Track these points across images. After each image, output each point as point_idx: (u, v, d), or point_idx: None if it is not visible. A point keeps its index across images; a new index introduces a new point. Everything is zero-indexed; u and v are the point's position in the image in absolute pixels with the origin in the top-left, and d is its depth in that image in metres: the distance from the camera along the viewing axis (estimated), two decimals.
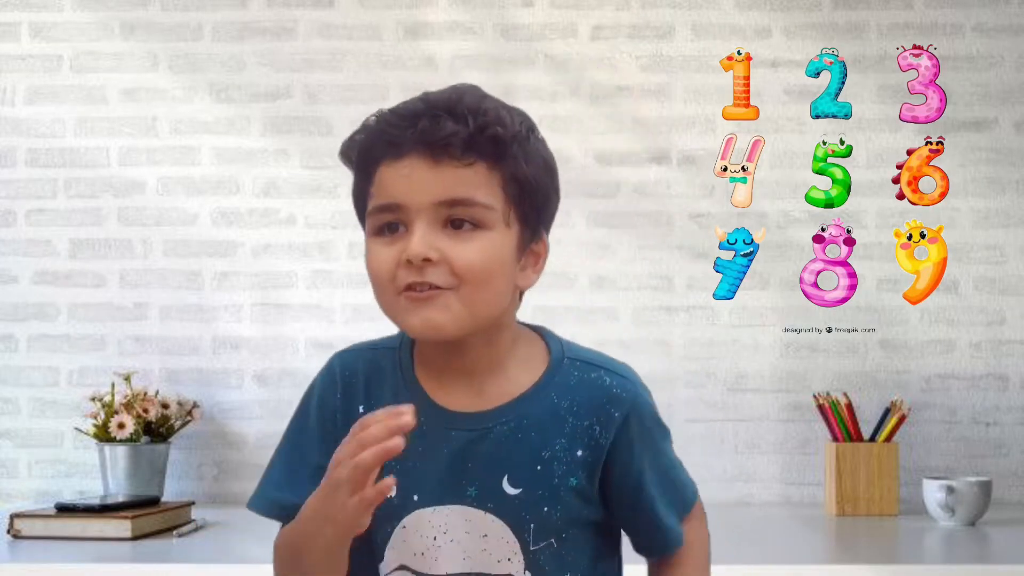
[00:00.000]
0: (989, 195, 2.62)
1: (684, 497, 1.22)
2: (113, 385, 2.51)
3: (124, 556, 1.93)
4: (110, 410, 2.46)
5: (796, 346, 2.62)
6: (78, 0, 2.68)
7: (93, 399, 2.49)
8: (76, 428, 2.57)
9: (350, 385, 1.16)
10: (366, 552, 1.13)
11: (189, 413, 2.57)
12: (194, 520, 2.20)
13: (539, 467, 1.12)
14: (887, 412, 2.42)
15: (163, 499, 2.36)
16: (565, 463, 1.12)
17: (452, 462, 1.12)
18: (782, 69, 2.65)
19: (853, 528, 2.25)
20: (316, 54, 2.68)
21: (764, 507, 2.56)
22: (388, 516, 1.12)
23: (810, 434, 2.58)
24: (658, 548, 1.20)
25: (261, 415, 2.64)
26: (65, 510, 2.10)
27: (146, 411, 2.47)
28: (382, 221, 1.10)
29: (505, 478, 1.11)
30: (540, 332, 1.20)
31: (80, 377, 2.65)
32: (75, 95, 2.68)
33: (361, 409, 1.13)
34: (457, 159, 1.07)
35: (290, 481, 1.14)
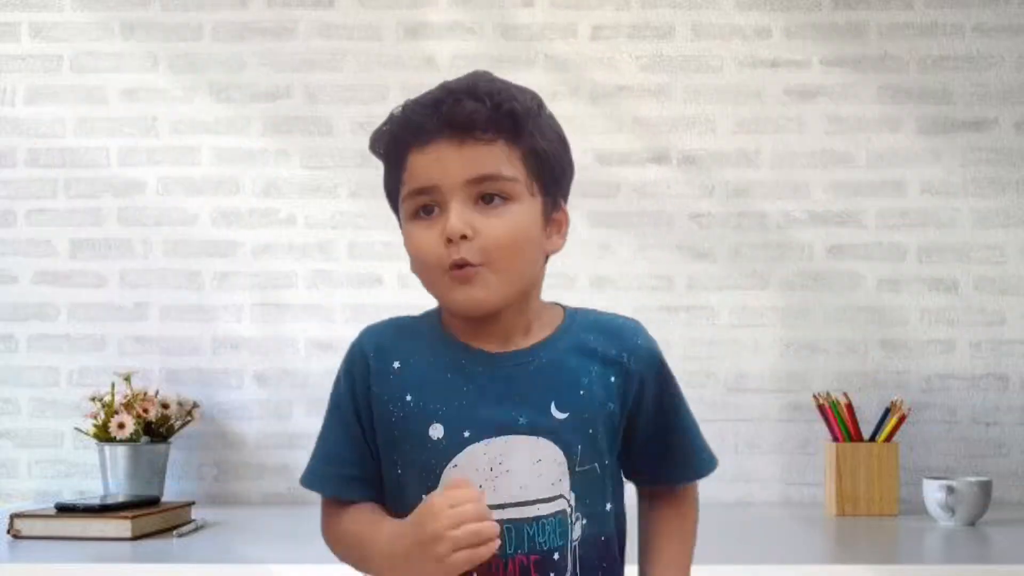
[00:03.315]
0: (989, 195, 2.62)
1: (707, 452, 1.30)
2: (113, 385, 2.51)
3: (124, 556, 1.93)
4: (110, 410, 2.46)
5: (796, 346, 2.62)
6: (78, 0, 2.68)
7: (93, 399, 2.49)
8: (76, 428, 2.58)
9: (380, 348, 1.22)
10: (413, 496, 1.16)
11: (189, 413, 2.57)
12: (194, 520, 2.20)
13: (581, 391, 1.19)
14: (887, 412, 2.42)
15: (163, 499, 2.36)
16: (603, 387, 1.20)
17: (499, 395, 1.17)
18: (782, 69, 2.65)
19: (853, 528, 2.25)
20: (316, 54, 2.68)
21: (764, 507, 2.56)
22: (438, 458, 1.16)
23: (810, 434, 2.58)
24: (692, 470, 1.28)
25: (261, 415, 2.64)
26: (65, 510, 2.10)
27: (146, 411, 2.47)
28: (418, 204, 1.17)
29: (552, 404, 1.17)
30: (557, 303, 1.28)
31: (80, 377, 2.65)
32: (75, 95, 2.68)
33: (396, 365, 1.20)
34: (479, 138, 1.14)
35: (338, 455, 1.21)
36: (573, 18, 2.67)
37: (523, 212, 1.17)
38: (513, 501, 1.15)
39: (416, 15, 2.68)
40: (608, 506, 1.21)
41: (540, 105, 1.21)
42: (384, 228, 2.64)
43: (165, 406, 2.52)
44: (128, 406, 2.46)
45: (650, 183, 2.62)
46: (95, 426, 2.47)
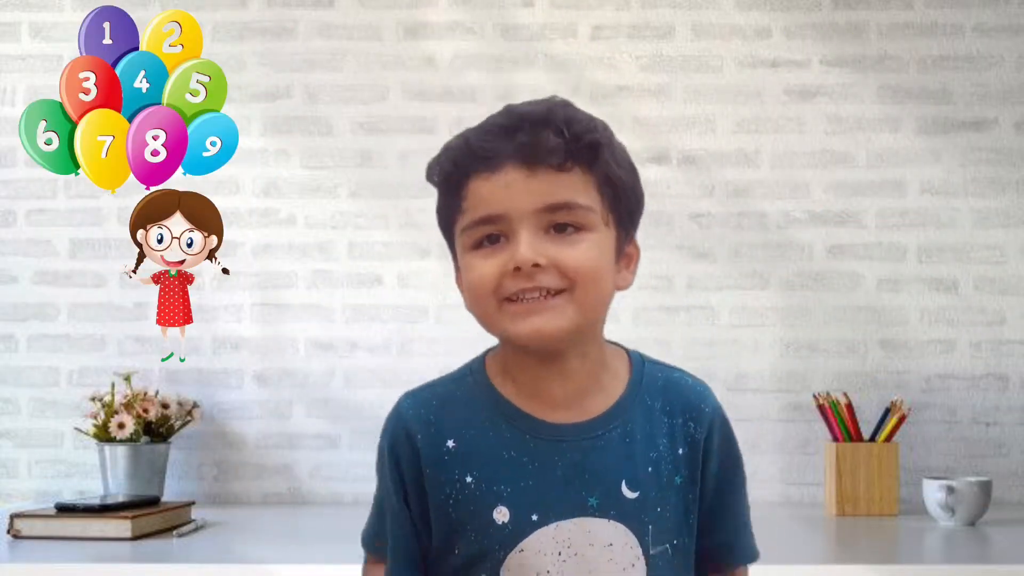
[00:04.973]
0: (989, 195, 2.62)
1: (752, 540, 1.23)
2: (113, 385, 2.51)
3: (124, 556, 1.93)
4: (110, 410, 2.46)
5: (796, 346, 2.62)
6: (78, 0, 2.68)
7: (93, 399, 2.49)
8: (76, 428, 2.57)
9: (428, 424, 1.13)
10: None
11: (189, 413, 2.57)
12: (194, 520, 2.20)
13: (650, 468, 1.12)
14: (887, 412, 2.42)
15: (163, 499, 2.36)
16: (671, 462, 1.13)
17: (568, 475, 1.10)
18: (782, 69, 2.65)
19: (853, 528, 2.25)
20: (316, 54, 2.68)
21: (764, 507, 2.54)
22: (503, 543, 1.10)
23: (810, 434, 2.58)
24: (736, 554, 1.21)
25: (261, 415, 2.64)
26: (65, 510, 2.10)
27: (146, 411, 2.47)
28: (481, 234, 1.09)
29: (623, 483, 1.11)
30: (617, 344, 1.21)
31: (80, 377, 2.65)
32: None
33: (451, 444, 1.12)
34: (553, 165, 1.07)
35: (405, 548, 1.15)
36: (573, 18, 2.67)
37: (600, 242, 1.10)
38: None
39: (416, 15, 2.67)
40: None
41: (611, 133, 1.14)
42: (384, 228, 2.64)
43: (165, 406, 2.52)
44: (128, 406, 2.46)
45: (650, 183, 2.60)
46: (95, 426, 2.47)
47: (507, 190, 1.07)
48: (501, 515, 1.09)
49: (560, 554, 1.09)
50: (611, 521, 1.10)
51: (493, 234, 1.08)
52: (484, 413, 1.13)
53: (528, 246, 1.06)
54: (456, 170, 1.10)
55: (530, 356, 1.12)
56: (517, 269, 1.06)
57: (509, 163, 1.07)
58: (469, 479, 1.10)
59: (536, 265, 1.06)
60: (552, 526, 1.09)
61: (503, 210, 1.07)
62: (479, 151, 1.08)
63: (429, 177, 1.15)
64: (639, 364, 1.17)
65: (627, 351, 1.19)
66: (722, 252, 2.63)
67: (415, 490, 1.13)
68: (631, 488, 1.11)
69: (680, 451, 1.14)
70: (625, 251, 1.17)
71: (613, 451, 1.11)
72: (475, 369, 1.16)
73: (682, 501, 1.14)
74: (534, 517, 1.09)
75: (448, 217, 1.13)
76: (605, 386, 1.14)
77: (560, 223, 1.08)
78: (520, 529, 1.09)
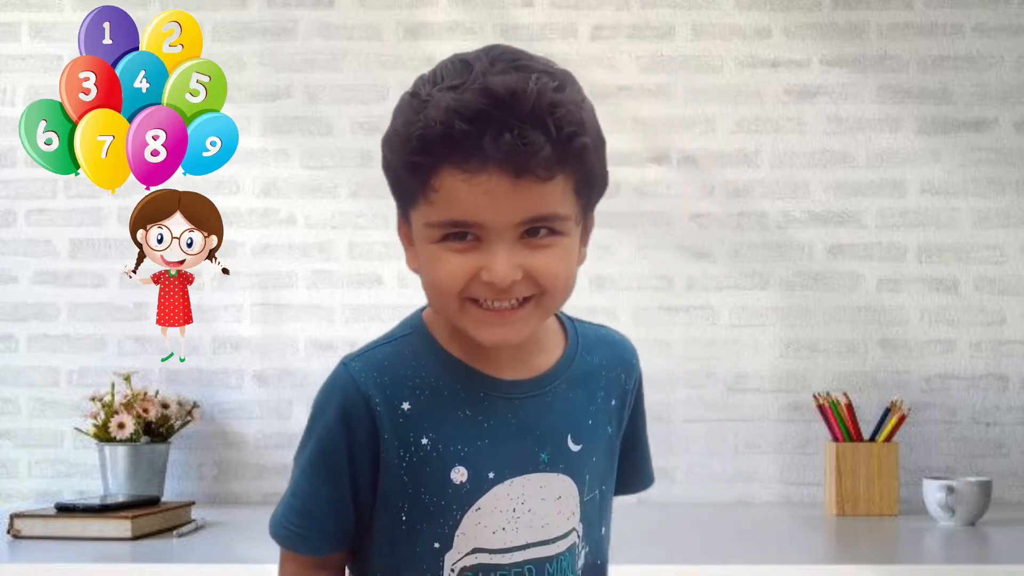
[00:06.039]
0: (989, 195, 2.62)
1: (651, 466, 1.29)
2: (113, 385, 2.51)
3: (124, 556, 1.93)
4: (110, 410, 2.46)
5: (796, 346, 2.62)
6: (78, 0, 2.68)
7: (93, 399, 2.49)
8: (76, 428, 2.58)
9: (382, 387, 1.08)
10: (423, 544, 1.09)
11: (189, 413, 2.57)
12: (194, 520, 2.20)
13: (590, 421, 1.15)
14: (887, 412, 2.42)
15: (163, 499, 2.36)
16: (605, 413, 1.17)
17: (521, 431, 1.10)
18: (782, 69, 2.65)
19: (853, 528, 2.25)
20: (316, 54, 2.68)
21: (764, 507, 2.56)
22: (461, 503, 1.08)
23: (810, 434, 2.58)
24: (641, 484, 1.27)
25: (261, 415, 2.64)
26: (65, 510, 2.10)
27: (146, 411, 2.47)
28: (449, 232, 1.03)
29: (569, 436, 1.13)
30: None
31: (80, 377, 2.65)
32: None
33: (406, 406, 1.08)
34: (539, 176, 1.01)
35: (318, 513, 1.10)
36: (573, 18, 2.67)
37: (571, 244, 1.07)
38: (536, 540, 1.10)
39: (416, 15, 2.68)
40: (603, 530, 1.18)
41: (583, 98, 1.06)
42: (384, 228, 2.64)
43: (165, 406, 2.52)
44: (128, 406, 2.46)
45: (650, 183, 2.62)
46: (95, 426, 2.47)
47: (488, 199, 1.00)
48: (459, 475, 1.07)
49: (515, 510, 1.09)
50: (560, 475, 1.11)
51: (463, 233, 1.03)
52: (436, 373, 1.09)
53: (505, 263, 1.02)
54: (425, 153, 1.01)
55: None
56: (490, 283, 1.02)
57: (494, 168, 0.99)
58: (424, 441, 1.07)
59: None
60: (507, 483, 1.09)
61: (482, 220, 1.01)
62: (461, 143, 0.99)
63: (389, 146, 1.07)
64: (569, 322, 1.19)
65: (559, 317, 1.19)
66: (722, 252, 2.63)
67: (367, 458, 1.08)
68: (575, 441, 1.13)
69: (613, 403, 1.18)
70: (586, 226, 1.12)
71: (559, 406, 1.12)
72: (417, 328, 1.12)
73: (610, 449, 1.18)
74: (491, 475, 1.08)
75: (406, 195, 1.06)
76: (545, 344, 1.14)
77: (535, 228, 1.03)
78: (478, 488, 1.08)
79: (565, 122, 1.01)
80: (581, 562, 1.15)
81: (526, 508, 1.10)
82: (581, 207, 1.08)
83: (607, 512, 1.19)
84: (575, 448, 1.13)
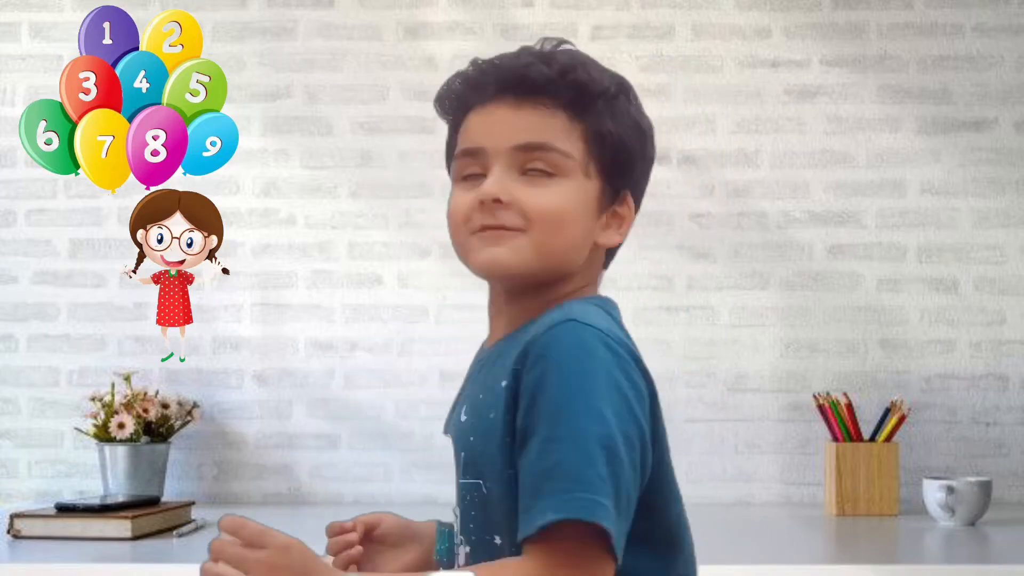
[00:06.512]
0: (989, 195, 2.62)
1: (545, 486, 0.97)
2: (113, 385, 2.51)
3: (124, 556, 1.93)
4: (110, 410, 2.46)
5: (796, 346, 2.62)
6: (78, 0, 2.68)
7: (93, 399, 2.49)
8: (76, 428, 2.57)
9: None
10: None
11: (189, 413, 2.57)
12: (194, 520, 2.20)
13: (481, 395, 1.09)
14: (887, 412, 2.42)
15: (163, 499, 2.36)
16: (494, 392, 1.05)
17: (467, 391, 1.15)
18: (782, 69, 2.65)
19: (853, 528, 2.25)
20: (316, 54, 2.68)
21: (764, 507, 2.56)
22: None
23: (810, 434, 2.58)
24: (521, 522, 0.99)
25: (261, 415, 2.64)
26: (65, 510, 2.10)
27: (146, 411, 2.47)
28: (466, 169, 1.12)
29: (466, 406, 1.12)
30: (600, 298, 1.16)
31: (80, 377, 2.65)
32: None
33: None
34: (538, 104, 1.08)
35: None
36: (573, 18, 2.67)
37: (572, 190, 1.08)
38: (463, 480, 1.11)
39: (416, 15, 2.68)
40: (498, 540, 1.04)
41: (624, 90, 1.12)
42: (384, 228, 2.64)
43: (165, 406, 2.52)
44: (128, 406, 2.46)
45: (650, 183, 2.62)
46: (95, 426, 2.47)
47: (490, 123, 1.10)
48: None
49: (457, 451, 1.13)
50: (452, 441, 1.15)
51: (477, 173, 1.10)
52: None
53: (495, 181, 1.08)
54: (458, 102, 1.15)
55: (502, 295, 1.14)
56: (482, 202, 1.08)
57: (497, 95, 1.09)
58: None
59: (497, 200, 1.07)
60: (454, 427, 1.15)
61: (483, 143, 1.09)
62: (474, 82, 1.12)
63: (439, 105, 1.18)
64: (566, 303, 1.10)
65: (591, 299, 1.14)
66: (722, 252, 2.63)
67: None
68: (466, 413, 1.11)
69: (503, 383, 1.04)
70: (616, 210, 1.15)
71: (478, 376, 1.14)
72: None
73: (490, 437, 1.03)
74: (463, 418, 1.13)
75: (449, 147, 1.17)
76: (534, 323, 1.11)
77: (534, 168, 1.08)
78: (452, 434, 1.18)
79: (570, 64, 1.09)
80: (462, 561, 1.08)
81: (453, 465, 1.14)
82: (595, 161, 1.10)
83: (505, 523, 1.02)
84: (463, 418, 1.11)
